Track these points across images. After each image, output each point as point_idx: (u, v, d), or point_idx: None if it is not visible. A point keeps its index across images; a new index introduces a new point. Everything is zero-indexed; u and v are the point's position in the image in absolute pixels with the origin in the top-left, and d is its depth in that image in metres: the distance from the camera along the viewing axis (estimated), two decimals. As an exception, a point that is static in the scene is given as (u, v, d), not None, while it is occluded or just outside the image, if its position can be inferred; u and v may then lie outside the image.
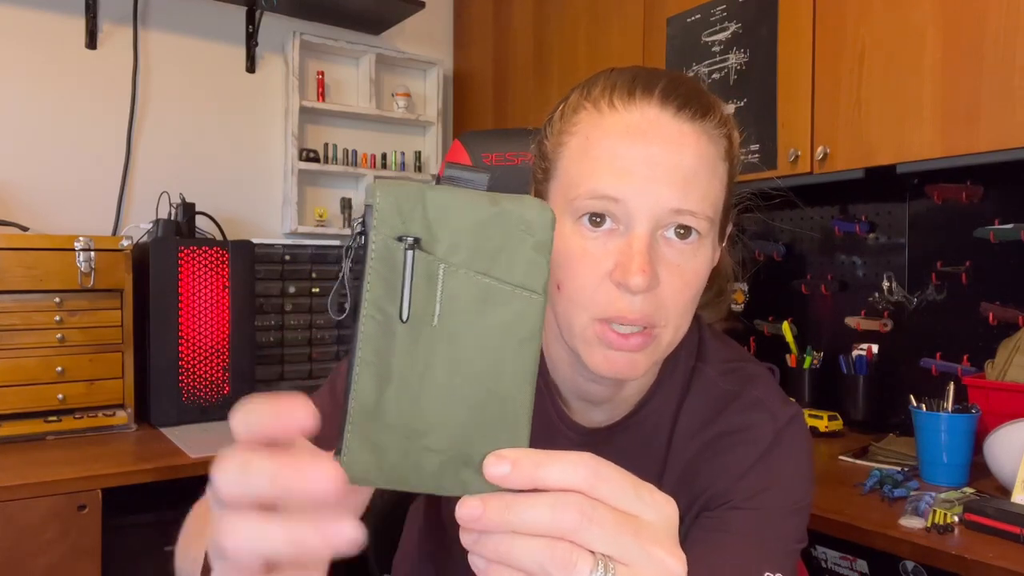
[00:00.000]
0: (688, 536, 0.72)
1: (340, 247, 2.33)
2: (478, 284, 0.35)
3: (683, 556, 0.38)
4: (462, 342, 0.35)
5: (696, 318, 0.79)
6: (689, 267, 0.64)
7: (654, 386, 0.76)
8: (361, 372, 0.35)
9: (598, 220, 0.63)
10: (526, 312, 0.36)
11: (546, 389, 0.77)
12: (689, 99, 0.65)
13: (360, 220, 0.36)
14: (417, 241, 0.35)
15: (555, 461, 0.36)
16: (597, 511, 0.35)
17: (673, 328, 0.65)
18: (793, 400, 0.78)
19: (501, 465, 0.36)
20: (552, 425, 0.77)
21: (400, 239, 0.35)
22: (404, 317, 0.35)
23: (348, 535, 0.33)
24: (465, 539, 0.36)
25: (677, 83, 0.66)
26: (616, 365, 0.64)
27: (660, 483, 0.75)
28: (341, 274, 0.38)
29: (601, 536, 0.35)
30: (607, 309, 0.63)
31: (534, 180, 0.74)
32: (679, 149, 0.63)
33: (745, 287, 2.14)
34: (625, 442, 0.76)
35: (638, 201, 0.62)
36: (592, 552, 0.35)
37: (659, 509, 0.38)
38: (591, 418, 0.77)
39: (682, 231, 0.63)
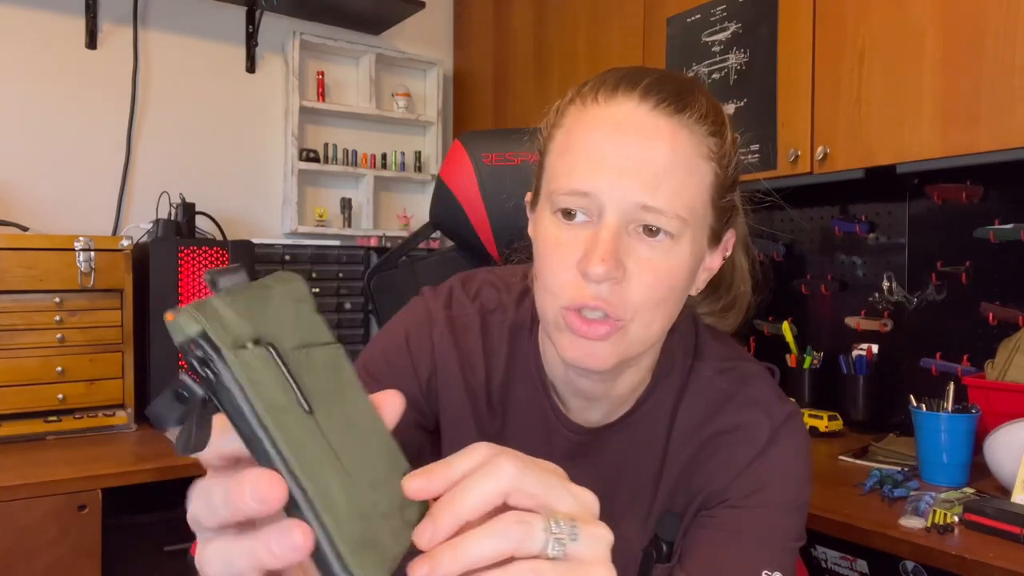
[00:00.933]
0: (687, 535, 0.73)
1: (339, 247, 2.33)
2: (317, 356, 0.37)
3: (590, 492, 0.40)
4: (338, 410, 0.36)
5: (692, 318, 0.79)
6: (662, 264, 0.62)
7: (650, 385, 0.76)
8: (311, 485, 0.32)
9: (572, 213, 0.64)
10: (343, 359, 0.38)
11: (543, 389, 0.77)
12: (670, 95, 0.64)
13: (193, 359, 0.32)
14: (262, 341, 0.33)
15: (460, 456, 0.38)
16: (527, 464, 0.37)
17: (642, 324, 0.64)
18: (794, 400, 0.78)
19: (416, 481, 0.37)
20: (549, 424, 0.77)
21: (246, 347, 0.33)
22: (309, 409, 0.34)
23: (293, 542, 0.31)
24: None
25: (664, 79, 0.65)
26: (579, 352, 0.64)
27: (658, 482, 0.75)
28: (206, 414, 0.33)
29: (534, 481, 0.37)
30: (573, 297, 0.62)
31: (534, 176, 0.74)
32: (652, 143, 0.62)
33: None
34: (623, 441, 0.76)
35: (608, 194, 0.61)
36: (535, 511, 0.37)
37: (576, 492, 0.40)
38: (588, 417, 0.77)
39: (651, 229, 0.62)
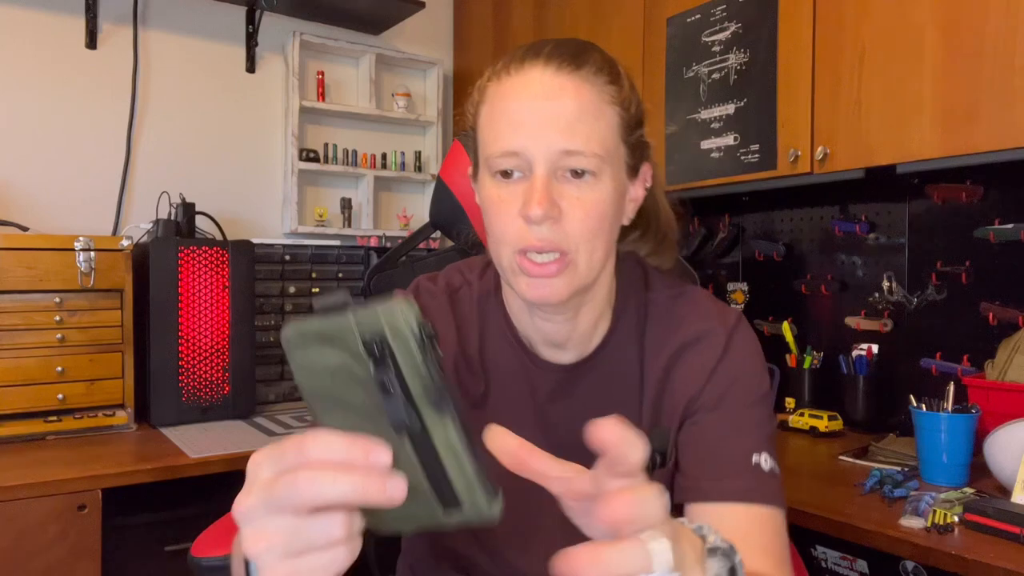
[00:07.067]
0: (679, 442, 0.81)
1: (339, 247, 2.33)
2: None
3: None
4: None
5: (637, 260, 0.88)
6: (589, 198, 0.73)
7: (613, 323, 0.84)
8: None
9: (509, 173, 0.74)
10: None
11: (516, 341, 0.84)
12: (566, 56, 0.74)
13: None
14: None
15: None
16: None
17: (586, 253, 0.74)
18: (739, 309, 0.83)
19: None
20: (528, 371, 0.83)
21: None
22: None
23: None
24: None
25: (562, 44, 0.76)
26: (538, 291, 0.74)
27: (641, 406, 0.82)
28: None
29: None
30: (521, 241, 0.73)
31: (471, 152, 0.83)
32: (560, 99, 0.72)
33: (745, 287, 2.14)
34: (600, 374, 0.83)
35: (533, 149, 0.72)
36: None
37: None
38: (561, 360, 0.83)
39: (576, 171, 0.72)
